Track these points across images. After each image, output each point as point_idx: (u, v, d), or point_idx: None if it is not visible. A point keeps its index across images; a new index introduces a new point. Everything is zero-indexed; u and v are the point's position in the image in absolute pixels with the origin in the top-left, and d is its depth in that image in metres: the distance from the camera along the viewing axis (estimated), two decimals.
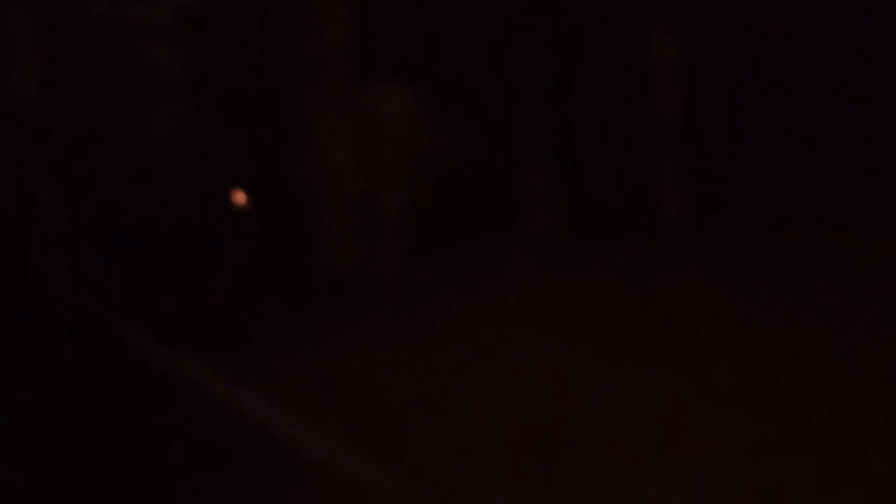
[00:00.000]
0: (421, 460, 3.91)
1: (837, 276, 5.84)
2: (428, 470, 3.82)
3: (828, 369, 4.50)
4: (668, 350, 4.93)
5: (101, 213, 7.26)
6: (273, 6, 7.33)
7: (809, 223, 7.06)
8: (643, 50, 7.71)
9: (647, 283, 6.12)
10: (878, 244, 6.38)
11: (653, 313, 5.53)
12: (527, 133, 7.67)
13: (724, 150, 7.89)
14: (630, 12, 7.76)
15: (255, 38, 7.49)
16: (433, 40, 7.78)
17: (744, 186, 7.82)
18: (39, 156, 7.16)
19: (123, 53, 7.50)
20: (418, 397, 4.60)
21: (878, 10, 7.91)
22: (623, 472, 3.68)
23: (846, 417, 3.98)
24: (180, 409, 4.79)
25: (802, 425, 3.94)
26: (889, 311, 5.18)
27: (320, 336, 5.72)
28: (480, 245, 7.33)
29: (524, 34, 7.64)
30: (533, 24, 7.62)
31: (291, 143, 7.31)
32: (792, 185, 7.68)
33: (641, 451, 3.83)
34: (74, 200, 7.17)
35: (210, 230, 7.29)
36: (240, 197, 7.35)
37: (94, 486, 4.05)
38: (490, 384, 4.71)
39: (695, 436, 3.92)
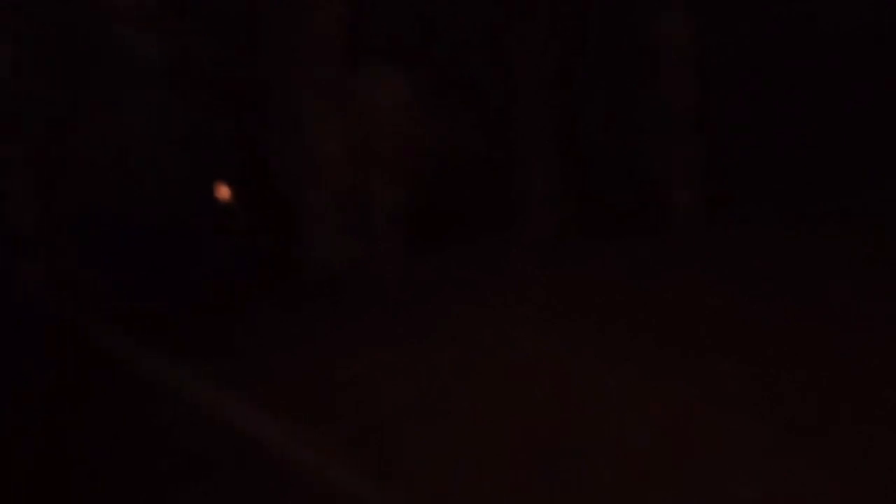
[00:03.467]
0: (417, 468, 3.95)
1: (851, 277, 5.87)
2: (425, 478, 3.86)
3: (840, 372, 4.54)
4: (672, 351, 4.97)
5: (78, 208, 7.25)
6: None
7: (824, 221, 7.06)
8: (652, 35, 7.73)
9: (653, 283, 6.13)
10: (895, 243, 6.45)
11: (659, 314, 5.56)
12: (528, 125, 7.66)
13: (737, 143, 7.83)
14: None
15: (241, 22, 7.49)
16: (429, 25, 7.79)
17: (757, 182, 7.76)
18: (11, 147, 7.18)
19: (100, 38, 7.49)
20: (416, 401, 4.66)
21: None
22: (626, 478, 3.73)
23: (859, 422, 4.03)
24: (163, 417, 4.80)
25: (813, 430, 3.99)
26: None
27: (313, 339, 5.74)
28: (480, 243, 7.33)
29: (525, 19, 7.65)
30: (535, 8, 7.62)
31: (279, 134, 7.29)
32: (807, 181, 7.62)
33: (645, 456, 3.89)
34: (49, 195, 7.17)
35: (194, 226, 7.28)
36: (225, 191, 7.36)
37: (69, 499, 4.06)
38: (490, 387, 4.77)
39: (700, 441, 3.97)
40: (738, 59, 7.97)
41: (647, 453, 3.89)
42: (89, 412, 4.96)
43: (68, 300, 6.88)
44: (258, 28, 7.40)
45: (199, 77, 7.51)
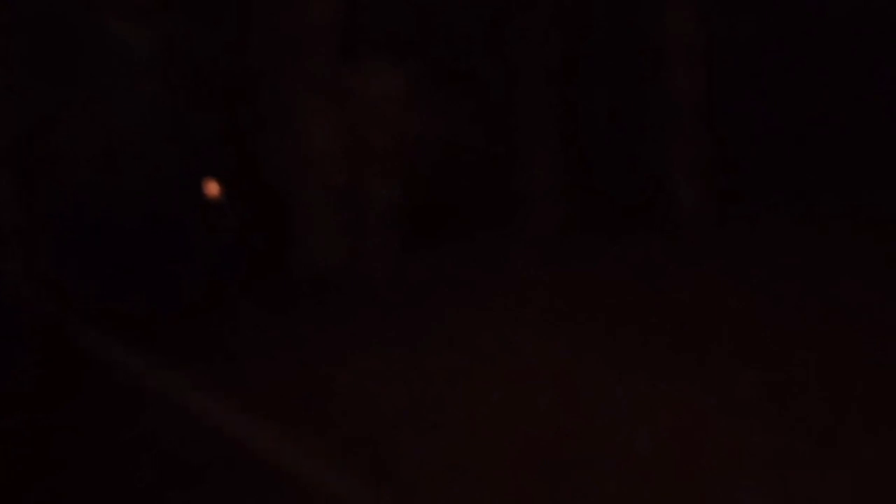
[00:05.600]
0: (412, 478, 3.91)
1: (870, 275, 5.86)
2: (420, 490, 3.82)
3: (860, 377, 4.50)
4: (683, 356, 4.94)
5: (61, 205, 7.27)
6: None
7: (839, 217, 7.11)
8: (657, 26, 7.72)
9: (660, 282, 6.15)
10: None
11: (667, 316, 5.55)
12: (529, 118, 7.69)
13: (746, 136, 7.91)
14: None
15: (232, 13, 7.51)
16: (426, 15, 7.79)
17: (767, 176, 7.85)
18: None
19: (86, 30, 7.50)
20: (410, 408, 4.62)
21: None
22: (635, 491, 3.67)
23: (881, 430, 3.97)
24: (148, 422, 4.79)
25: (833, 439, 3.94)
26: None
27: (302, 341, 5.75)
28: (479, 241, 7.39)
29: (526, 9, 7.65)
30: None
31: (270, 129, 7.33)
32: (820, 175, 7.71)
33: (655, 468, 3.83)
34: (31, 192, 7.17)
35: (181, 225, 7.31)
36: (214, 188, 7.37)
37: None
38: (489, 394, 4.72)
39: (714, 451, 3.92)
40: (746, 50, 7.99)
41: (660, 469, 3.83)
42: (70, 416, 4.96)
43: (50, 300, 6.87)
44: (249, 19, 7.41)
45: (188, 70, 7.51)
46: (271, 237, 7.23)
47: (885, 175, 7.58)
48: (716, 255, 6.64)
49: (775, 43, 8.06)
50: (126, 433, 4.67)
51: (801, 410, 4.21)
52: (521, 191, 7.69)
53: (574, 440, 4.13)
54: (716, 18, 7.78)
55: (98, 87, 7.50)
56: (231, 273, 7.12)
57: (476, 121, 7.80)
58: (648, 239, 7.17)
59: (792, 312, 5.40)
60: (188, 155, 7.45)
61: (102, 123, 7.46)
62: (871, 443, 3.86)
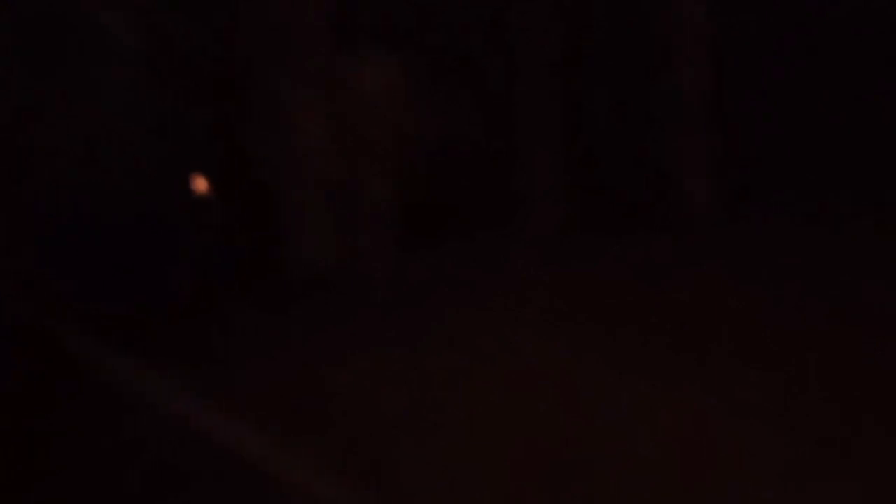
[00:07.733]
0: (411, 483, 3.96)
1: (881, 276, 5.89)
2: (418, 495, 3.87)
3: (869, 380, 4.55)
4: (684, 356, 5.00)
5: (43, 202, 7.26)
6: None
7: (850, 215, 7.09)
8: (663, 17, 7.75)
9: (664, 282, 6.18)
10: None
11: (668, 316, 5.59)
12: (530, 111, 7.69)
13: (756, 132, 7.89)
14: None
15: (221, 1, 7.51)
16: (423, 4, 7.80)
17: (777, 173, 7.82)
18: None
19: (69, 18, 7.49)
20: (410, 409, 4.67)
21: None
22: (636, 493, 3.74)
23: (883, 431, 4.03)
24: (135, 428, 4.81)
25: (840, 444, 3.99)
26: None
27: (297, 343, 5.78)
28: (478, 240, 7.41)
29: None
30: None
31: (261, 122, 7.30)
32: (831, 173, 7.68)
33: (655, 469, 3.90)
34: (11, 188, 7.17)
35: (168, 222, 7.30)
36: (202, 184, 7.36)
37: None
38: (489, 395, 4.78)
39: (717, 455, 3.97)
40: (756, 40, 7.98)
41: (662, 473, 3.89)
42: (56, 423, 4.96)
43: (34, 302, 6.87)
44: (238, 8, 7.40)
45: (175, 61, 7.50)
46: (262, 235, 7.18)
47: None
48: (721, 255, 6.66)
49: (787, 35, 8.04)
50: (112, 440, 4.67)
51: (803, 411, 4.26)
52: (522, 188, 7.68)
53: (574, 441, 4.19)
54: (725, 9, 7.79)
55: (83, 79, 7.50)
56: (221, 273, 7.10)
57: (476, 115, 7.79)
58: (653, 238, 7.15)
59: (794, 313, 5.44)
60: (175, 149, 7.44)
61: (86, 115, 7.45)
62: (874, 444, 3.92)
